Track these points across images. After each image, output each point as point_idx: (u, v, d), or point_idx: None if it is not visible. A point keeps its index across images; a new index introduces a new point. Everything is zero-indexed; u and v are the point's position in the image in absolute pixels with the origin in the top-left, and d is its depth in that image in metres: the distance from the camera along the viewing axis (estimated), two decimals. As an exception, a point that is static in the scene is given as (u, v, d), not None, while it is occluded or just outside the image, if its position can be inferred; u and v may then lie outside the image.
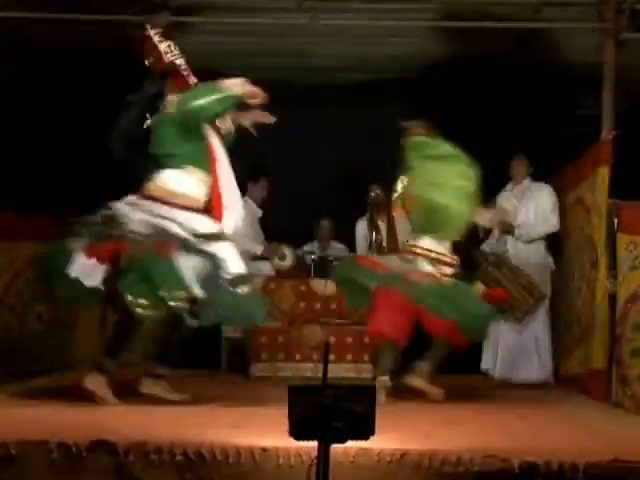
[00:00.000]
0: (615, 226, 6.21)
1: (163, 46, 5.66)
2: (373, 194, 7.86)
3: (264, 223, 8.05)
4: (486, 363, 7.21)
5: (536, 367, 7.09)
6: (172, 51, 5.67)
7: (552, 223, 7.22)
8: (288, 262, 7.76)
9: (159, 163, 5.67)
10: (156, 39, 5.66)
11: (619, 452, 3.97)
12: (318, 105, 8.41)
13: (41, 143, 7.94)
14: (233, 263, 5.52)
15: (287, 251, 7.78)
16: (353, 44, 7.72)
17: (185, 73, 5.70)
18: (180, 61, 5.70)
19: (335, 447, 3.23)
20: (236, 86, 5.59)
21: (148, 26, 5.70)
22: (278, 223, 8.13)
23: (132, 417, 5.01)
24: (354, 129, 8.41)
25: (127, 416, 5.03)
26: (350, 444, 3.31)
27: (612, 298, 6.14)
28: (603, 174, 6.37)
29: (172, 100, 5.66)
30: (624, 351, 5.94)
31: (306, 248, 8.19)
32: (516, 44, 7.52)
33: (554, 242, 7.36)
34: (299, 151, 8.17)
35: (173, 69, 5.68)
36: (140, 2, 6.93)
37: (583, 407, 6.02)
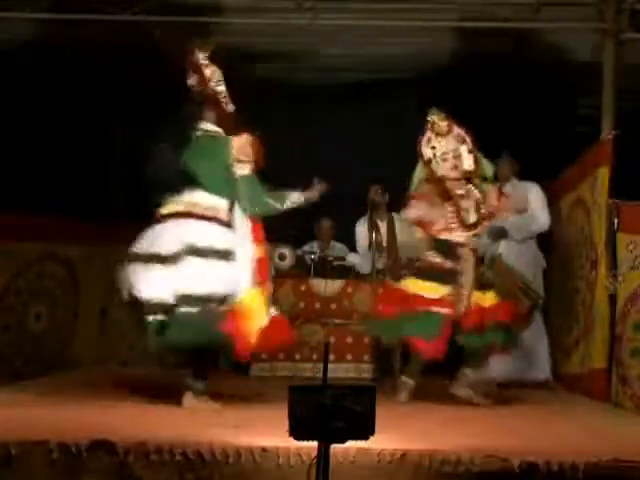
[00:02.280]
0: (615, 226, 6.21)
1: (208, 71, 5.65)
2: (373, 194, 7.86)
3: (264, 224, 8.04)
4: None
5: (533, 367, 7.08)
6: (215, 78, 5.66)
7: (542, 221, 7.18)
8: (288, 262, 7.76)
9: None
10: (203, 63, 5.65)
11: (619, 452, 3.98)
12: (318, 105, 8.41)
13: (40, 143, 7.95)
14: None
15: (287, 251, 7.78)
16: (353, 44, 7.72)
17: (224, 101, 5.68)
18: (221, 89, 5.68)
19: (335, 447, 3.23)
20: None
21: (197, 49, 5.67)
22: (278, 223, 8.12)
23: (132, 417, 5.01)
24: (354, 129, 8.41)
25: (127, 416, 5.03)
26: (350, 444, 3.31)
27: (612, 298, 6.14)
28: (603, 174, 6.37)
29: (209, 128, 5.66)
30: (624, 351, 5.94)
31: (306, 248, 8.18)
32: (516, 44, 7.53)
33: (546, 241, 7.35)
34: (299, 151, 8.16)
35: (213, 96, 5.66)
36: (140, 2, 6.94)
37: (583, 407, 6.02)
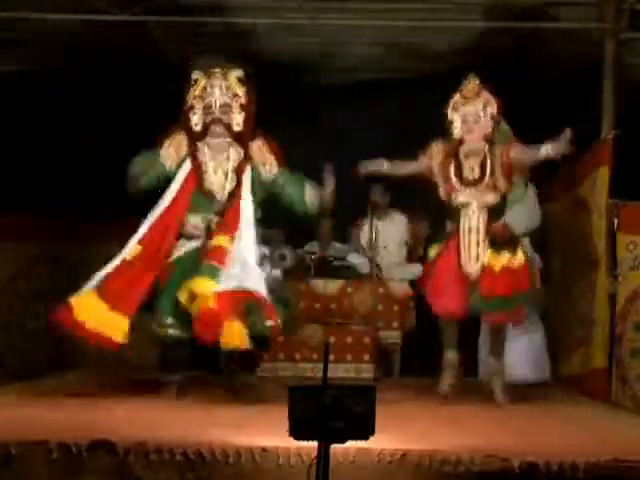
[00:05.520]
0: (615, 226, 6.21)
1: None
2: (374, 194, 7.88)
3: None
4: (483, 373, 7.16)
5: (532, 367, 7.06)
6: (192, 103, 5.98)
7: (532, 219, 7.15)
8: (288, 262, 7.75)
9: None
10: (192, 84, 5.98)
11: (619, 452, 3.98)
12: (318, 105, 8.41)
13: (39, 144, 7.94)
14: None
15: (287, 251, 7.77)
16: (353, 44, 7.72)
17: (194, 115, 5.97)
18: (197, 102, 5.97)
19: (335, 447, 3.23)
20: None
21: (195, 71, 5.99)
22: (279, 223, 8.12)
23: (132, 417, 5.00)
24: (355, 128, 8.40)
25: (127, 416, 5.03)
26: (350, 444, 3.31)
27: (612, 298, 6.14)
28: (603, 174, 6.37)
29: None
30: (624, 351, 5.95)
31: (306, 248, 8.18)
32: (516, 44, 7.52)
33: (545, 241, 7.34)
34: (299, 151, 8.15)
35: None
36: (140, 2, 6.94)
37: (583, 407, 6.02)
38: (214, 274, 5.63)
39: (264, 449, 3.90)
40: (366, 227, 8.06)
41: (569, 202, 7.21)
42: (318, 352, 7.17)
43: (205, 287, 5.56)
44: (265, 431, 4.18)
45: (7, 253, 6.81)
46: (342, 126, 8.32)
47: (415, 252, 7.96)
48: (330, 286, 7.53)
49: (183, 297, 5.56)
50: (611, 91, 6.67)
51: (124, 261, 5.78)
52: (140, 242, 5.83)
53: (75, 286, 7.27)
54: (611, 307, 6.14)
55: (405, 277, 7.66)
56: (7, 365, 6.66)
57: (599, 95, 6.73)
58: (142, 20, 7.03)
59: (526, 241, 7.15)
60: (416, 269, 7.53)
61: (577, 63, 7.50)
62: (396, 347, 7.51)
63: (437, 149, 6.11)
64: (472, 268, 5.93)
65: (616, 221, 6.21)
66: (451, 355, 6.03)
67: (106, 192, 7.85)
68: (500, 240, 5.97)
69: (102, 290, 5.68)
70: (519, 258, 5.97)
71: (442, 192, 6.11)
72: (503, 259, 5.92)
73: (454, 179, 6.03)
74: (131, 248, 5.82)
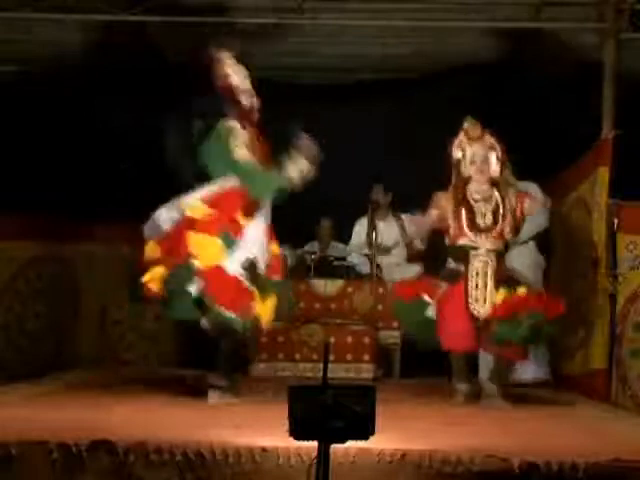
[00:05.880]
0: (615, 226, 6.21)
1: (229, 69, 5.89)
2: (375, 194, 7.89)
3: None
4: (483, 373, 7.16)
5: (532, 367, 7.06)
6: (236, 75, 5.89)
7: (539, 222, 7.17)
8: (288, 262, 7.76)
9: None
10: (224, 62, 5.88)
11: (619, 452, 3.97)
12: (318, 105, 8.40)
13: (39, 143, 7.94)
14: None
15: (287, 251, 7.78)
16: (353, 44, 7.72)
17: (243, 97, 5.86)
18: (240, 85, 5.88)
19: (335, 447, 3.23)
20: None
21: (218, 50, 5.89)
22: (278, 223, 8.12)
23: (132, 417, 5.00)
24: (354, 129, 8.41)
25: (127, 416, 5.03)
26: (350, 444, 3.30)
27: (612, 298, 6.14)
28: (603, 174, 6.37)
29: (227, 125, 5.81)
30: (624, 351, 5.95)
31: (306, 248, 8.19)
32: (516, 44, 7.53)
33: (546, 241, 7.34)
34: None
35: (231, 92, 5.86)
36: (140, 2, 6.95)
37: (583, 407, 6.02)
38: (230, 244, 5.68)
39: (264, 449, 3.90)
40: (358, 226, 8.08)
41: (569, 202, 7.22)
42: (318, 352, 7.18)
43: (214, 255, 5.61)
44: (265, 431, 4.18)
45: (7, 253, 6.81)
46: (342, 126, 8.32)
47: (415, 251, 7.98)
48: (330, 286, 7.54)
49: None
50: (611, 91, 6.68)
51: (184, 216, 5.70)
52: (203, 200, 5.76)
53: (75, 286, 7.32)
54: (611, 307, 6.14)
55: (405, 277, 7.65)
56: (7, 365, 6.66)
57: (599, 95, 6.74)
58: (142, 20, 7.03)
59: (532, 244, 7.18)
60: (416, 269, 7.56)
61: (577, 63, 7.50)
62: (396, 347, 7.50)
63: (445, 198, 6.10)
64: (480, 310, 5.93)
65: (616, 221, 6.21)
66: (462, 387, 6.08)
67: (106, 192, 7.88)
68: (512, 282, 6.00)
69: (160, 239, 5.69)
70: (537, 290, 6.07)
71: (449, 237, 6.12)
72: (522, 290, 5.95)
73: (465, 224, 6.03)
74: (192, 204, 5.73)
